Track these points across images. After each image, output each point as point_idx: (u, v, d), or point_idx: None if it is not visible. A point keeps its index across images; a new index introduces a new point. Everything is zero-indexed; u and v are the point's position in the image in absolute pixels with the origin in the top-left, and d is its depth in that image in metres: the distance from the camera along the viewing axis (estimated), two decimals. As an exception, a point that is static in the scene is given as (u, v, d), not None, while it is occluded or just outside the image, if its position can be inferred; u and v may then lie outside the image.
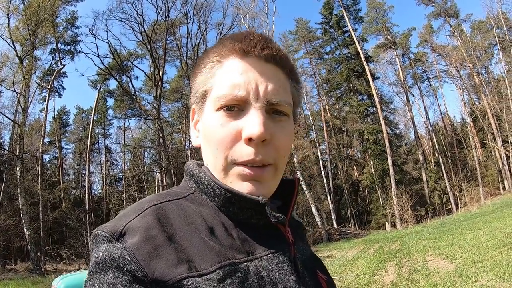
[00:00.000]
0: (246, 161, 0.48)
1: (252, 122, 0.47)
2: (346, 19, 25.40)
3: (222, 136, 0.49)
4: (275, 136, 0.49)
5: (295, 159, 20.15)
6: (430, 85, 29.98)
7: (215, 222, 0.49)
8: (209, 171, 0.53)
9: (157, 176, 25.69)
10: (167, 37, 23.14)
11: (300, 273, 0.51)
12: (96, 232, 0.44)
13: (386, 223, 22.74)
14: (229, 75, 0.50)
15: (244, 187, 0.49)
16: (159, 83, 22.32)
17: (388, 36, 25.90)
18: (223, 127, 0.49)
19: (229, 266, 0.44)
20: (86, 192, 28.10)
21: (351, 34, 25.35)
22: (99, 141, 32.13)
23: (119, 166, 33.68)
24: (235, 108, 0.49)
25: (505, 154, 23.73)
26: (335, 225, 22.53)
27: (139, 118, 26.58)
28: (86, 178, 28.77)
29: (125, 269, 0.40)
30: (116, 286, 0.39)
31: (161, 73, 22.84)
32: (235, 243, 0.47)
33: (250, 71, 0.49)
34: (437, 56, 28.57)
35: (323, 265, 0.64)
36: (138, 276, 0.40)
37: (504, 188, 24.20)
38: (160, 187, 23.94)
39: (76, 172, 32.65)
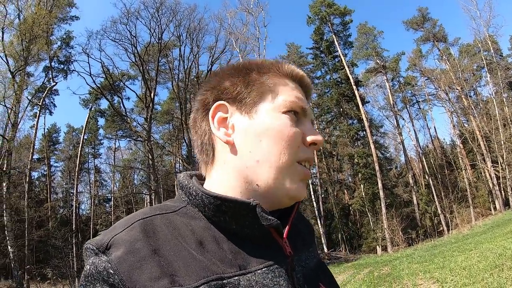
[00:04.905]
0: (307, 159, 0.54)
1: (315, 131, 0.56)
2: (337, 44, 25.66)
3: (293, 135, 0.53)
4: None
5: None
6: (420, 108, 30.09)
7: (206, 235, 0.48)
8: (198, 182, 0.53)
9: (146, 198, 25.31)
10: (160, 59, 23.31)
11: None
12: (85, 245, 0.45)
13: (377, 246, 22.50)
14: (292, 90, 0.57)
15: (300, 188, 0.53)
16: (150, 105, 22.29)
17: (378, 61, 26.11)
18: (293, 128, 0.53)
19: (215, 281, 0.42)
20: (74, 211, 27.39)
21: (341, 59, 25.54)
22: (89, 161, 31.69)
23: (108, 187, 33.09)
24: (298, 114, 0.55)
25: (495, 174, 23.66)
26: (325, 249, 22.22)
27: (129, 139, 26.41)
28: (74, 197, 28.10)
29: (109, 282, 0.41)
30: None
31: (152, 94, 22.79)
32: (226, 257, 0.46)
33: (302, 93, 0.58)
34: (426, 79, 28.90)
35: (331, 275, 0.61)
36: None
37: (495, 208, 23.98)
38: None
39: (64, 191, 32.04)
